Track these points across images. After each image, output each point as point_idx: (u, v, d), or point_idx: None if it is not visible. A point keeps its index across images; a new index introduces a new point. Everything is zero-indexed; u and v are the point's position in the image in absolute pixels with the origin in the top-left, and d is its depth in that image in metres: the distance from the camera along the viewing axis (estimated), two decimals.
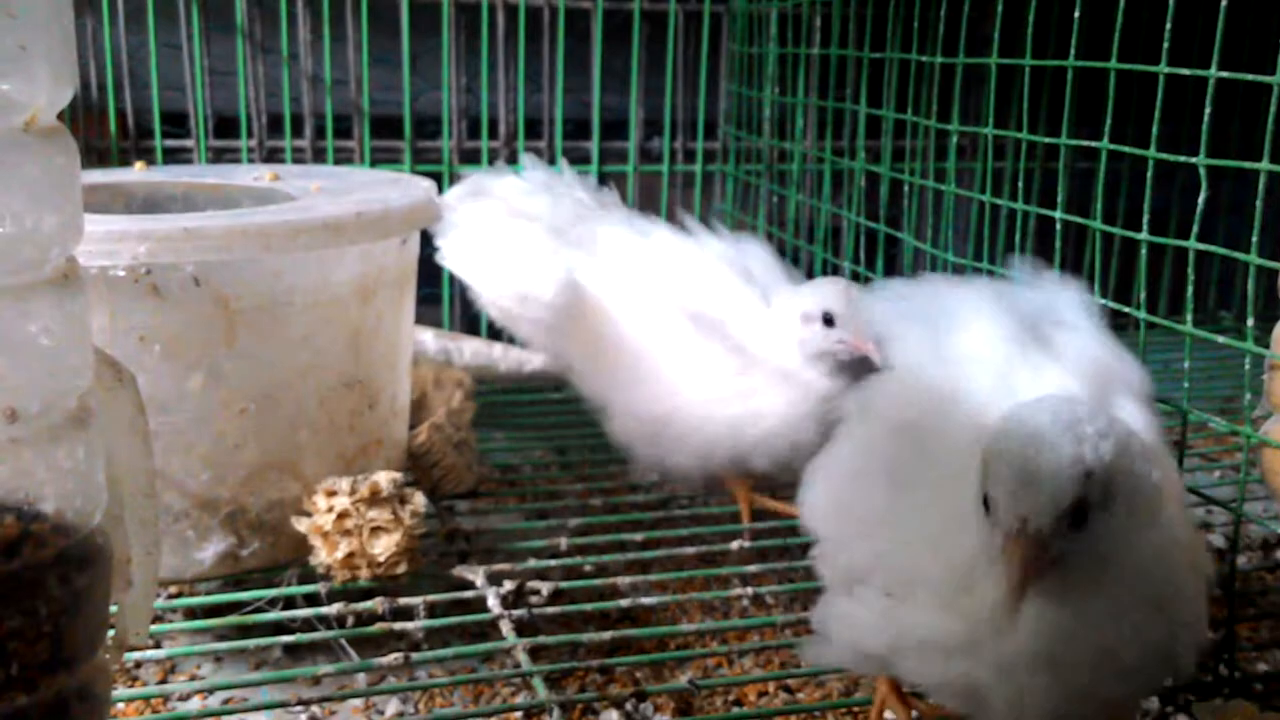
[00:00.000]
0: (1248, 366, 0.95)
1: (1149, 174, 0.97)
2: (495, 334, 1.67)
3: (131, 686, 0.99)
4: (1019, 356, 0.79)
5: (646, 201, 1.86)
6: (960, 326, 0.83)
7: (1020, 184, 1.19)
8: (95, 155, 1.64)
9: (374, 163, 1.74)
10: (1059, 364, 0.78)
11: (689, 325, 1.20)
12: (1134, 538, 0.65)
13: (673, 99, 1.85)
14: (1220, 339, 0.96)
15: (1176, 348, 0.90)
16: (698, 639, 1.07)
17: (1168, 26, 0.92)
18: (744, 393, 1.17)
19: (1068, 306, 0.84)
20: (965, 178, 1.35)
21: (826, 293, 1.15)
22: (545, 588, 1.05)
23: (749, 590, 1.09)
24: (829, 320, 1.13)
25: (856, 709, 0.95)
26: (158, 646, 1.00)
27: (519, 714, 0.95)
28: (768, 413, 1.16)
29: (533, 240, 1.50)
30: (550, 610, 1.03)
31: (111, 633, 0.65)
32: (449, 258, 1.55)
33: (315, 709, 0.97)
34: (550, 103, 1.81)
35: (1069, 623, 0.65)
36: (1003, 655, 0.67)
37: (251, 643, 0.98)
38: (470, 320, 1.75)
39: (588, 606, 1.05)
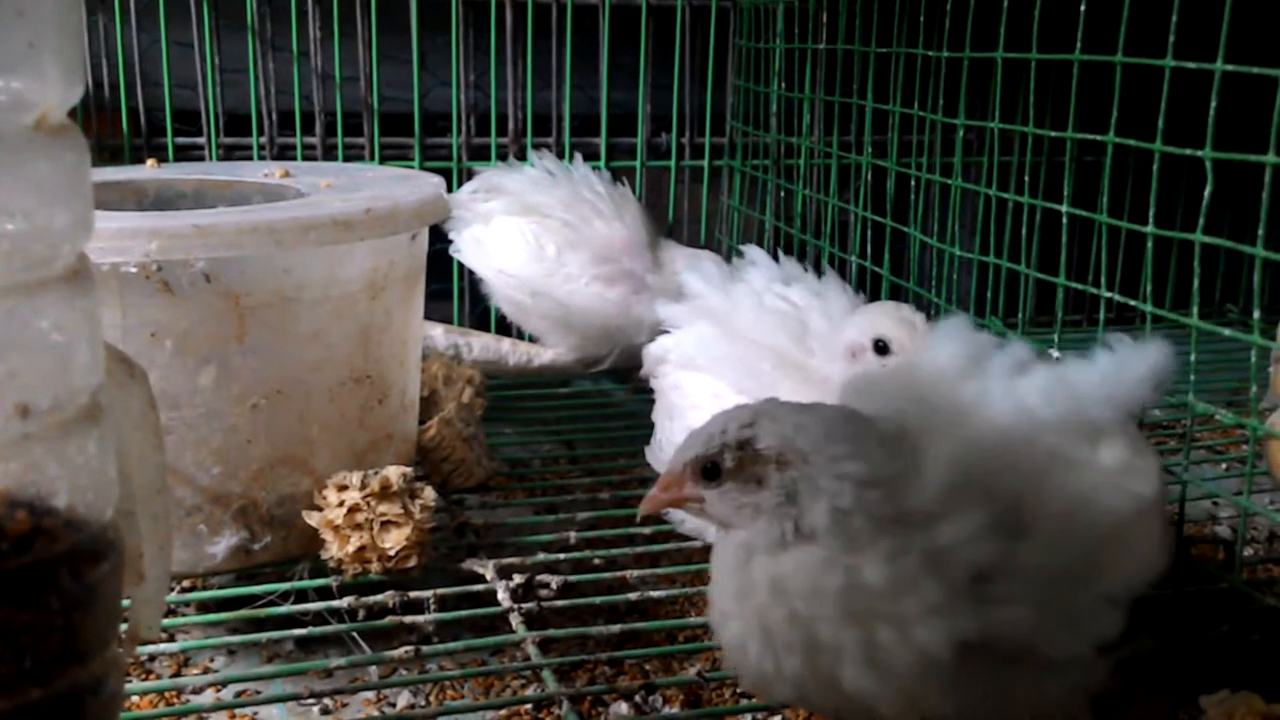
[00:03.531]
0: (1254, 359, 0.95)
1: (1155, 167, 0.97)
2: (504, 329, 1.68)
3: (145, 679, 0.99)
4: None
5: (654, 196, 1.86)
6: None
7: (1027, 178, 1.19)
8: (107, 153, 1.65)
9: (384, 159, 1.74)
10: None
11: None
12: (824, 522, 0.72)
13: (680, 94, 1.85)
14: (1226, 332, 0.96)
15: (1182, 341, 0.90)
16: (706, 631, 1.07)
17: (1173, 19, 0.92)
18: None
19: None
20: (972, 172, 1.35)
21: (875, 318, 1.06)
22: (554, 581, 1.05)
23: None
24: (882, 348, 1.04)
25: None
26: (171, 640, 1.00)
27: (529, 706, 0.95)
28: None
29: (545, 235, 1.51)
30: (559, 603, 1.03)
31: (124, 626, 0.65)
32: (463, 253, 1.56)
33: (327, 701, 0.97)
34: (558, 99, 1.81)
35: (742, 578, 0.75)
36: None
37: (264, 636, 0.99)
38: (479, 316, 1.75)
39: (597, 600, 1.05)
